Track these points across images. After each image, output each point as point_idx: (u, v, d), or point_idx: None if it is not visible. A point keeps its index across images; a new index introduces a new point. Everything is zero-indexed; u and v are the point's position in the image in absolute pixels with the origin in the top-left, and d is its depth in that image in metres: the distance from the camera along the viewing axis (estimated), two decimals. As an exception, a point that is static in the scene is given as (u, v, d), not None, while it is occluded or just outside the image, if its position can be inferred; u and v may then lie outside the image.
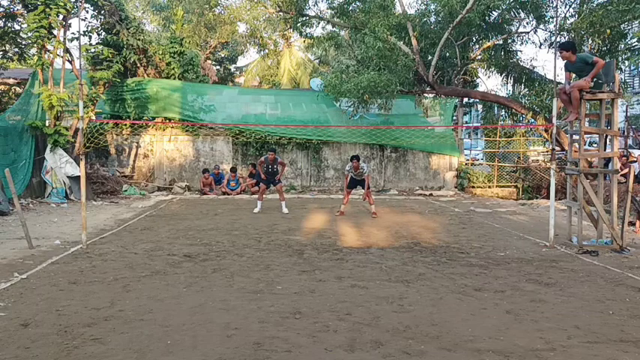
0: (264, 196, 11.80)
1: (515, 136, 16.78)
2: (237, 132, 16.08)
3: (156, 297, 5.07)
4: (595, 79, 7.52)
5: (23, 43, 13.68)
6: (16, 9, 13.18)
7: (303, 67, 28.25)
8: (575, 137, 8.15)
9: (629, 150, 16.74)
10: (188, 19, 21.33)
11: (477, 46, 16.65)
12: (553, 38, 13.45)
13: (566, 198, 9.59)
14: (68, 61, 12.86)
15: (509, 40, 16.09)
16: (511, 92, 16.36)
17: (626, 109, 23.10)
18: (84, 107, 8.04)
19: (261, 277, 5.87)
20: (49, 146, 12.67)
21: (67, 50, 12.72)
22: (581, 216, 7.83)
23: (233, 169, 15.20)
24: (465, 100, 17.67)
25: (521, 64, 16.29)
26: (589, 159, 8.76)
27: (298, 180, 16.48)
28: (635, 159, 12.24)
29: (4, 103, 14.70)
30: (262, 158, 11.62)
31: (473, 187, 16.05)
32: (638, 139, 22.32)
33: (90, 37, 14.87)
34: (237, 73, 31.30)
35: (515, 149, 16.84)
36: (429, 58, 15.53)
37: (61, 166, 12.62)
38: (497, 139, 16.79)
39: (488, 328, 4.31)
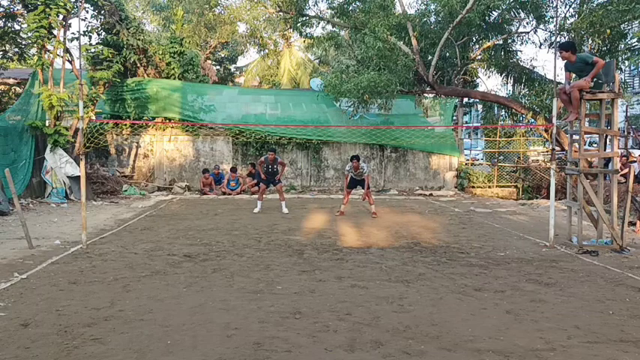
0: (264, 196, 11.80)
1: (515, 136, 16.79)
2: (237, 132, 16.08)
3: (156, 297, 5.07)
4: (595, 79, 7.52)
5: (23, 43, 13.67)
6: (16, 9, 13.18)
7: (303, 67, 28.25)
8: (575, 137, 8.15)
9: (629, 150, 16.73)
10: (188, 19, 21.32)
11: (477, 46, 16.66)
12: (553, 38, 13.45)
13: (566, 198, 9.59)
14: (68, 61, 12.86)
15: (509, 40, 16.10)
16: (511, 92, 16.36)
17: (626, 109, 23.09)
18: (84, 107, 8.04)
19: (261, 277, 5.87)
20: (49, 146, 12.67)
21: (67, 50, 12.72)
22: (581, 216, 7.83)
23: (233, 169, 15.19)
24: (465, 100, 17.67)
25: (521, 64, 16.29)
26: (589, 159, 8.76)
27: (298, 180, 16.47)
28: (635, 159, 12.25)
29: (4, 103, 14.70)
30: (262, 158, 11.62)
31: (473, 187, 16.05)
32: (638, 139, 22.31)
33: (90, 37, 14.89)
34: (237, 73, 31.30)
35: (515, 149, 16.84)
36: (429, 58, 15.53)
37: (61, 166, 12.61)
38: (498, 139, 16.80)
39: (488, 328, 4.31)
